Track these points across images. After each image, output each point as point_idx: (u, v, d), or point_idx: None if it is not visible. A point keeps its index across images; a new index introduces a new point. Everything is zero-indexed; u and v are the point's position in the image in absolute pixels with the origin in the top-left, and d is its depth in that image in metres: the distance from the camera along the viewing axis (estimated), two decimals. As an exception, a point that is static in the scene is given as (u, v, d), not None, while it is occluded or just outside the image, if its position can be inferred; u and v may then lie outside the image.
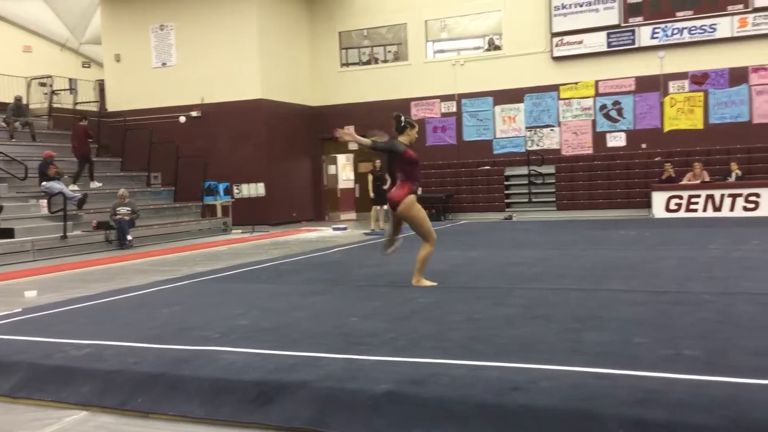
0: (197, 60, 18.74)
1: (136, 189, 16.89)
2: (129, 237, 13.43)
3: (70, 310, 6.33)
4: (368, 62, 20.75)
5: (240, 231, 16.69)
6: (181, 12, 18.97)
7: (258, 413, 3.42)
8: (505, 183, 18.54)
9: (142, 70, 19.39)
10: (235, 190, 17.35)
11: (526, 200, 18.22)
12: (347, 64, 20.87)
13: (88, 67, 23.94)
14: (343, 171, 23.48)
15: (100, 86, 21.19)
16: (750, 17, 16.48)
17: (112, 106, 19.78)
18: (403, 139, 6.56)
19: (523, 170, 18.27)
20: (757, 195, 14.95)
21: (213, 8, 18.66)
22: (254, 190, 17.08)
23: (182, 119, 18.73)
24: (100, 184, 16.30)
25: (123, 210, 13.69)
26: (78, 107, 19.23)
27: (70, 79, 21.21)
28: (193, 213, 17.45)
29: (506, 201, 18.34)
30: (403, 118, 6.61)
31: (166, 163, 17.69)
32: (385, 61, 20.65)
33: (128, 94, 19.42)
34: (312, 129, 20.39)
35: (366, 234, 14.46)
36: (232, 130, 18.48)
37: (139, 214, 14.24)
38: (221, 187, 17.78)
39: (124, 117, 18.57)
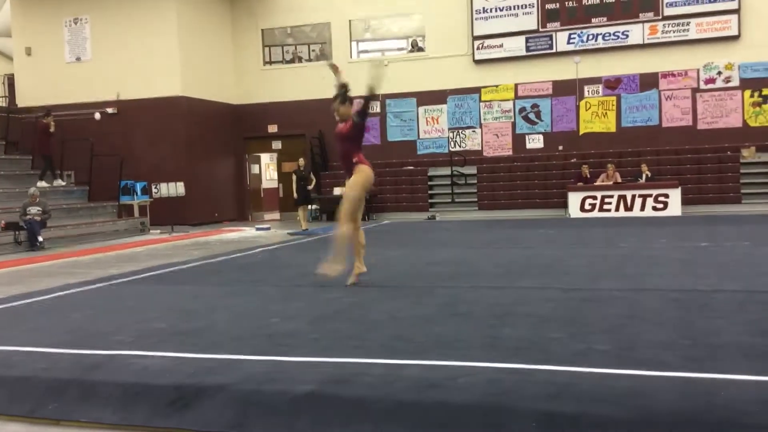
0: (113, 55, 18.14)
1: (47, 188, 16.20)
2: (40, 238, 12.89)
3: (-25, 315, 6.03)
4: (292, 61, 20.60)
5: (158, 231, 16.26)
6: (96, 5, 18.32)
7: (175, 418, 3.36)
8: (429, 183, 18.78)
9: (54, 65, 18.62)
10: (154, 190, 16.90)
11: (449, 200, 18.50)
12: (270, 62, 20.67)
13: (-4, 60, 22.82)
14: (267, 171, 23.24)
15: (10, 81, 20.26)
16: (660, 25, 17.25)
17: (22, 101, 18.92)
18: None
19: (446, 171, 18.54)
20: (666, 195, 15.68)
21: (130, 2, 18.10)
22: (173, 189, 16.69)
23: (97, 116, 18.12)
24: (64, 183, 16.11)
25: (34, 210, 13.13)
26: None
27: (-23, 73, 20.21)
28: (109, 213, 16.89)
29: (429, 201, 18.58)
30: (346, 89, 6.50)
31: (80, 162, 17.01)
32: (309, 60, 20.56)
33: (40, 90, 18.61)
34: (234, 127, 20.09)
35: (291, 234, 14.35)
36: (150, 128, 17.99)
37: (50, 215, 13.68)
38: (138, 186, 17.27)
39: (35, 113, 17.79)
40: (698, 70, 17.17)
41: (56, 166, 16.30)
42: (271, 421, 3.24)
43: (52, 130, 16.03)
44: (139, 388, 3.61)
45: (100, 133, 17.71)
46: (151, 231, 16.43)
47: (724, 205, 16.11)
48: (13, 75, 19.76)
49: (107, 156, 16.87)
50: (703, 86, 17.18)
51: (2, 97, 19.93)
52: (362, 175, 6.40)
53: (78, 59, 18.55)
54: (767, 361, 3.61)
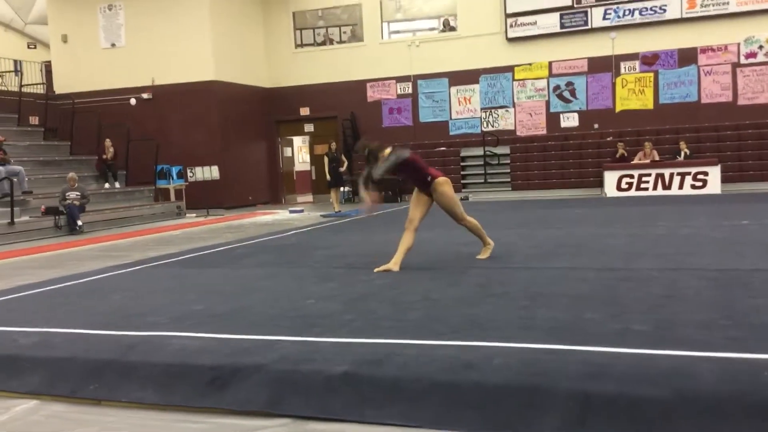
0: (147, 40, 18.32)
1: (85, 173, 16.50)
2: (79, 222, 13.14)
3: (19, 297, 6.17)
4: (323, 43, 20.56)
5: (194, 215, 16.47)
6: (129, -9, 18.50)
7: (212, 397, 3.40)
8: (461, 164, 18.66)
9: (90, 51, 18.88)
10: (189, 174, 17.09)
11: (482, 181, 18.38)
12: (302, 45, 20.66)
13: (34, 48, 23.20)
14: (299, 153, 23.34)
15: (47, 68, 20.57)
16: (698, -1, 16.82)
17: (59, 88, 19.24)
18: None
19: (479, 151, 18.40)
20: (705, 173, 15.36)
21: (163, -13, 18.25)
22: (208, 173, 16.87)
23: (133, 101, 18.35)
24: (107, 186, 16.78)
25: (72, 195, 13.38)
26: (24, 89, 18.63)
27: (15, 61, 20.54)
28: (146, 197, 17.15)
29: (462, 182, 18.45)
30: (367, 151, 6.48)
31: (117, 147, 17.30)
32: (341, 42, 20.51)
33: (76, 76, 18.90)
34: (267, 111, 20.18)
35: (324, 216, 14.41)
36: (184, 113, 18.17)
37: (89, 199, 13.94)
38: (174, 170, 17.50)
39: (72, 99, 18.08)
40: (738, 45, 16.72)
41: (113, 173, 16.91)
42: (307, 401, 3.26)
43: (105, 156, 16.75)
44: (178, 368, 3.66)
45: (136, 119, 17.94)
46: (187, 215, 16.65)
47: (766, 182, 15.71)
48: (50, 62, 20.09)
49: (143, 141, 17.10)
50: (743, 61, 16.73)
51: (40, 84, 20.25)
52: (445, 185, 6.52)
53: (113, 45, 18.77)
54: (812, 341, 3.51)
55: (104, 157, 16.80)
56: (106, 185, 16.67)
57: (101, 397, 3.60)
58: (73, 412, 3.52)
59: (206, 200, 16.66)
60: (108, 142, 16.92)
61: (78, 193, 13.46)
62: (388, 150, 6.48)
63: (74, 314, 5.19)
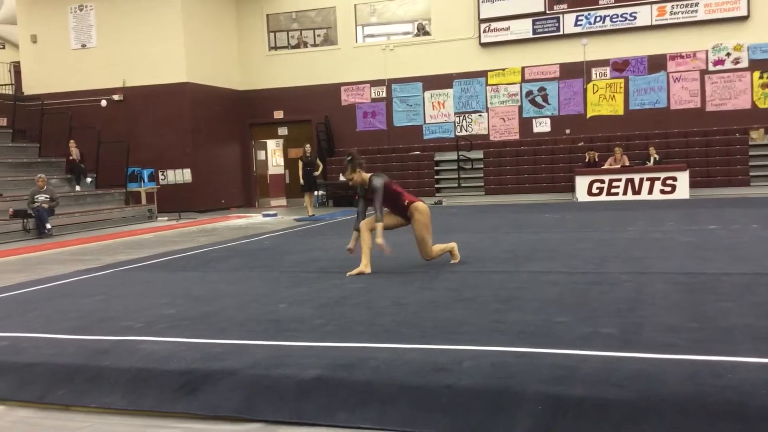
0: (119, 42, 18.12)
1: (55, 176, 16.27)
2: (48, 225, 12.94)
3: (-15, 302, 6.07)
4: (297, 46, 20.51)
5: (166, 218, 16.31)
6: (101, -9, 18.30)
7: (182, 402, 3.38)
8: (435, 168, 18.74)
9: (60, 52, 18.62)
10: (161, 177, 16.93)
11: (456, 185, 18.47)
12: (275, 48, 20.59)
13: (3, 48, 22.83)
14: (273, 157, 23.24)
15: (16, 68, 20.25)
16: (668, 6, 17.08)
17: (28, 89, 18.95)
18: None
19: (453, 155, 18.49)
20: (674, 179, 15.59)
21: (135, -12, 18.07)
22: (180, 176, 16.72)
23: (103, 103, 18.13)
24: (79, 189, 16.54)
25: (41, 197, 13.18)
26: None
27: (-18, 61, 20.23)
28: (116, 200, 16.94)
29: (436, 186, 18.55)
30: (350, 156, 6.47)
31: (87, 149, 17.09)
32: (315, 45, 20.48)
33: (46, 77, 18.63)
34: (240, 114, 20.07)
35: (297, 220, 14.37)
36: (156, 115, 18.00)
37: (58, 202, 13.74)
38: (145, 173, 17.31)
39: (41, 100, 17.82)
40: (707, 52, 17.02)
41: (82, 174, 16.73)
42: (279, 405, 3.26)
43: (71, 157, 16.63)
44: (148, 373, 3.63)
45: (107, 120, 17.74)
46: (158, 218, 16.49)
47: (733, 187, 16.01)
48: (19, 63, 19.78)
49: (114, 143, 16.92)
50: (711, 68, 17.03)
51: (8, 84, 19.93)
52: (423, 214, 6.55)
53: (83, 46, 18.54)
54: (774, 343, 3.59)
55: (71, 158, 16.59)
56: (78, 188, 16.47)
57: (69, 403, 3.56)
58: (41, 417, 3.47)
59: (178, 203, 16.51)
60: (72, 143, 16.71)
61: (47, 196, 13.26)
62: (367, 175, 6.51)
63: (43, 319, 5.12)
